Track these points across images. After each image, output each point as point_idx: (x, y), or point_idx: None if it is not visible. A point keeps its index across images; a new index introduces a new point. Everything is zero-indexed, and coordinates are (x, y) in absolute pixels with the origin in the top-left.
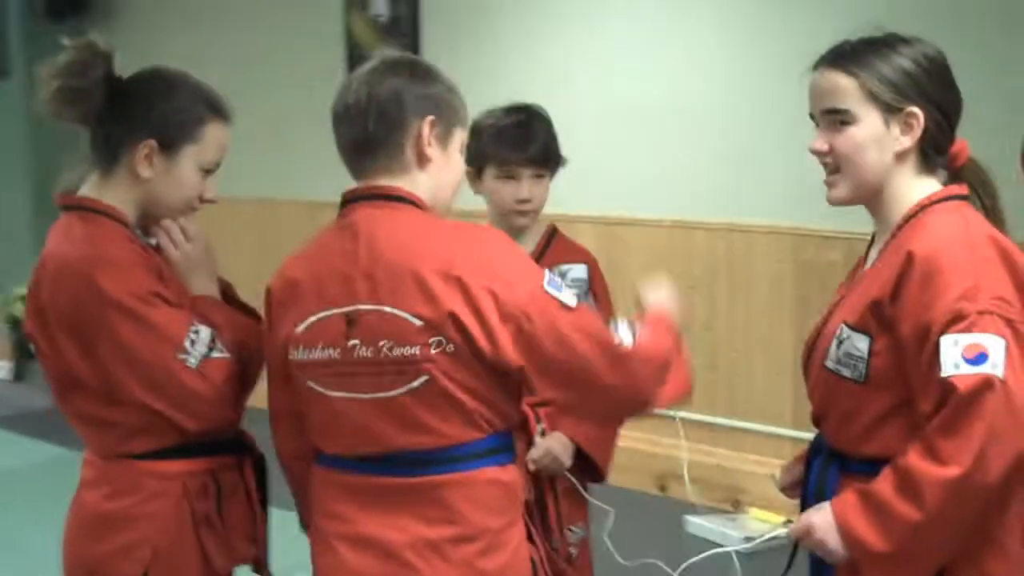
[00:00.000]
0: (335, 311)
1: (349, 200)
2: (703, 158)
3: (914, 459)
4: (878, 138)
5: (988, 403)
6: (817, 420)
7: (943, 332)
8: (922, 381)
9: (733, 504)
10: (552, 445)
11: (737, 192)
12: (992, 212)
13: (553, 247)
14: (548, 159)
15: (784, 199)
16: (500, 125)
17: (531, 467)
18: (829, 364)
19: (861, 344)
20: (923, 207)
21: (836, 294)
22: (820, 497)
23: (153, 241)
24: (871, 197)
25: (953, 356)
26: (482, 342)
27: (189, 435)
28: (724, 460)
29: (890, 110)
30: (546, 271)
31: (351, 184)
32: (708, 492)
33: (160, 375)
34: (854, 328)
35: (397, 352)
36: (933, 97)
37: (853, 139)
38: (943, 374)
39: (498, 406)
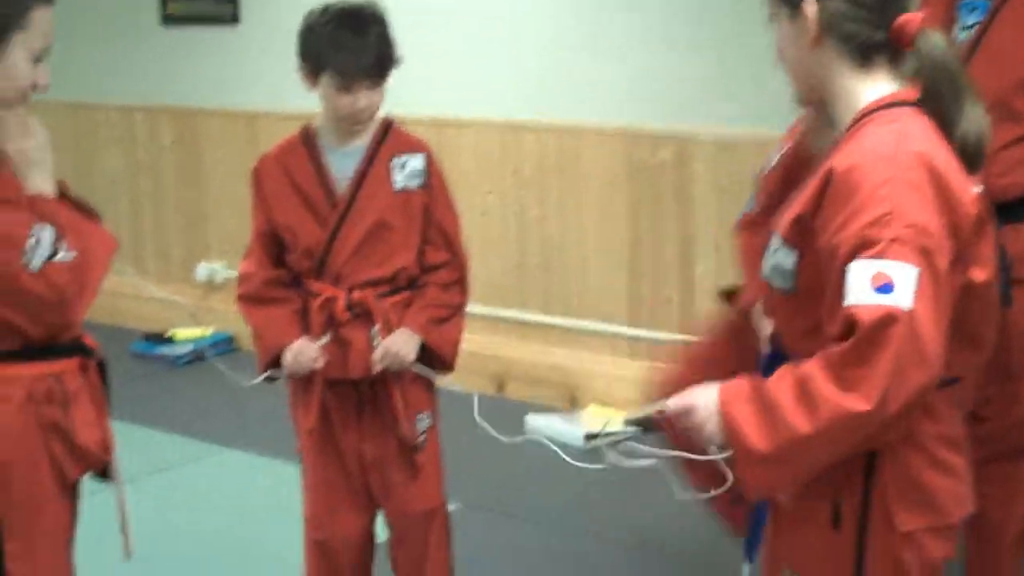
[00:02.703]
0: None
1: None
2: (532, 58)
3: (818, 373)
4: (790, 34)
5: (893, 337)
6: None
7: (851, 258)
8: (830, 303)
9: (571, 402)
10: (391, 344)
11: (567, 92)
12: (949, 114)
13: (390, 139)
14: (385, 67)
15: (615, 99)
16: (337, 32)
17: (376, 368)
18: (764, 272)
19: (789, 259)
20: (866, 114)
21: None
22: None
23: None
24: (816, 97)
25: (858, 284)
26: None
27: (31, 340)
28: (561, 359)
29: (792, 3)
30: None
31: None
32: (545, 391)
33: (1, 279)
34: (783, 241)
35: None
36: None
37: (777, 39)
38: (847, 302)
39: None
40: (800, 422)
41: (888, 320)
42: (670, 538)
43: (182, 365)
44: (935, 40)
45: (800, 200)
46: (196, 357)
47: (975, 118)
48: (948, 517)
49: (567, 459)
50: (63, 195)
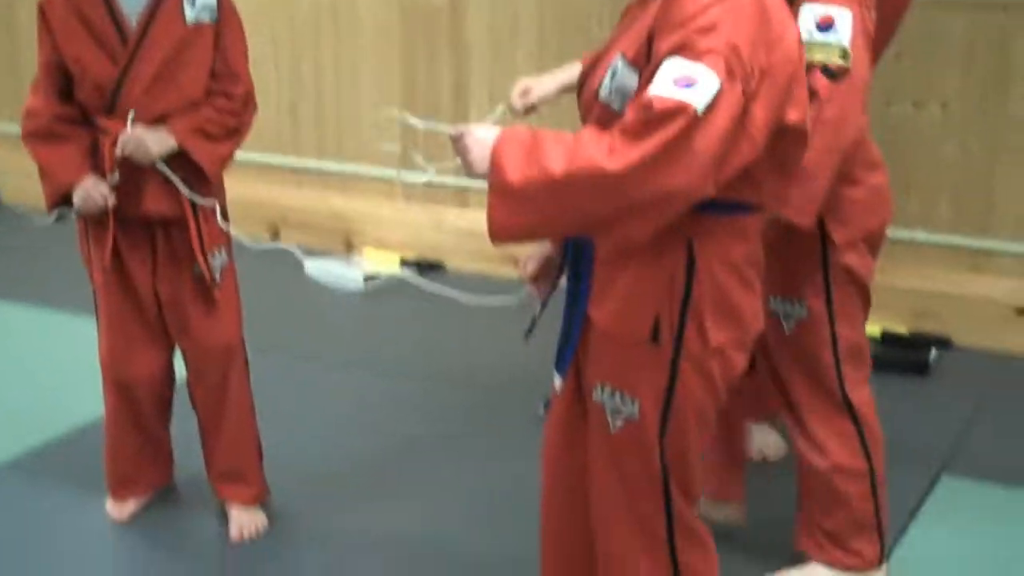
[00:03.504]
0: None
1: None
2: None
3: (591, 134)
4: None
5: (672, 127)
6: None
7: (667, 56)
8: (637, 94)
9: (347, 247)
10: (140, 133)
11: None
12: None
13: None
14: None
15: None
16: None
17: (117, 152)
18: (602, 95)
19: (632, 79)
20: None
21: (615, 28)
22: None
23: None
24: None
25: (664, 78)
26: None
27: None
28: (337, 205)
29: None
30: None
31: None
32: (322, 237)
33: None
34: (628, 62)
35: None
36: None
37: None
38: (650, 90)
39: None
40: (554, 165)
41: (676, 111)
42: (459, 370)
43: None
44: None
45: (643, 22)
46: None
47: None
48: (749, 331)
49: (348, 300)
50: None
